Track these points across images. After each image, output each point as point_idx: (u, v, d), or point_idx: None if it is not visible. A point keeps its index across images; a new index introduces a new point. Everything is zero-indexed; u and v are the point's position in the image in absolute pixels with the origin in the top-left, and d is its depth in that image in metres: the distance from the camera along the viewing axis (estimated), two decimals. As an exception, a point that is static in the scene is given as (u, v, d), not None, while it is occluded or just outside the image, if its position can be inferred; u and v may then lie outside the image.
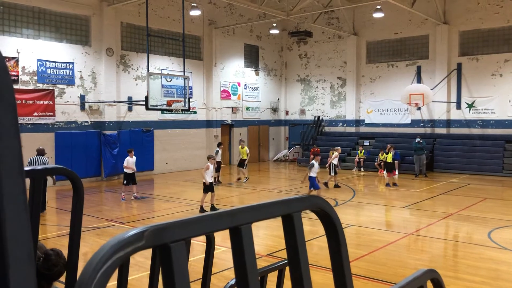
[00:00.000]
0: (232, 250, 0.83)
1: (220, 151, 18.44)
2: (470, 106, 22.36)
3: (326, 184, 16.49)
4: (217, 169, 17.90)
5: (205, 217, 0.75)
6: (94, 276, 0.59)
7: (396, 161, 21.08)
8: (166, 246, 0.68)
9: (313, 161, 13.96)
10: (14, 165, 0.54)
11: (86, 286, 0.58)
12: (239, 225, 0.81)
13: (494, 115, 21.80)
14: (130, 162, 14.48)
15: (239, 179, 18.56)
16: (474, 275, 7.63)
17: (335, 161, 16.79)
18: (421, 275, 1.39)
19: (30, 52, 16.98)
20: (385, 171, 21.13)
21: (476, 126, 22.26)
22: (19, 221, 0.54)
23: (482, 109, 22.09)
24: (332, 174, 16.74)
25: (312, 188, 13.63)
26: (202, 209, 12.45)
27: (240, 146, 19.14)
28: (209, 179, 12.54)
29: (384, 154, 20.29)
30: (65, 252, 2.08)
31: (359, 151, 22.43)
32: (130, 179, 14.56)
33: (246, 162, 18.48)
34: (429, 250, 9.30)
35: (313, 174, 13.71)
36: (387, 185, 17.40)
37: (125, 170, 14.59)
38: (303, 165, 24.36)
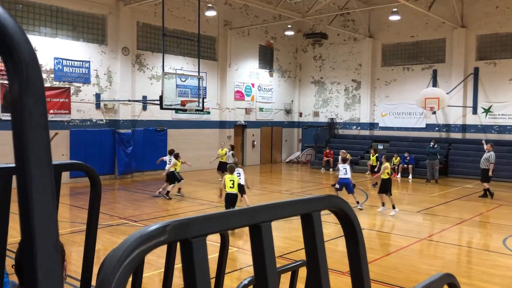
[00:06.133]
0: (251, 248, 0.83)
1: (228, 153, 18.26)
2: (487, 111, 22.08)
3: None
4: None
5: (226, 214, 0.75)
6: (118, 268, 0.59)
7: (410, 165, 20.94)
8: (188, 241, 0.69)
9: (339, 165, 14.08)
10: (44, 156, 0.55)
11: (109, 278, 0.58)
12: (259, 223, 0.81)
13: (511, 120, 21.50)
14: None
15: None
16: (488, 282, 7.53)
17: None
18: (438, 279, 1.38)
19: (47, 50, 17.20)
20: (399, 174, 21.05)
21: (493, 131, 21.96)
22: (46, 211, 0.55)
23: (499, 115, 21.79)
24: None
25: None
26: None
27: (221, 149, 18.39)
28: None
29: (398, 157, 20.11)
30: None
31: (371, 155, 22.26)
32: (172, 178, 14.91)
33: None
34: (442, 256, 9.19)
35: (341, 175, 13.64)
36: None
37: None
38: (315, 167, 24.28)
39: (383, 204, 12.97)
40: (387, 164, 12.89)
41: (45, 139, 0.55)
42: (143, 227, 0.66)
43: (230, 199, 10.87)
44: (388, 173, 12.85)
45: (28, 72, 0.54)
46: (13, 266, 2.12)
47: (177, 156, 15.21)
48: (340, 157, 15.60)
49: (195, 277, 0.69)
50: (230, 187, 10.85)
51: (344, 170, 13.48)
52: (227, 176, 11.12)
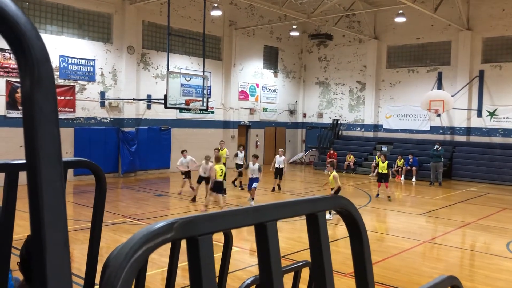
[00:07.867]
0: (257, 247, 0.83)
1: (240, 154, 17.84)
2: (492, 114, 22.00)
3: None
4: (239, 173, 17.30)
5: (232, 212, 0.76)
6: (125, 264, 0.59)
7: (413, 168, 20.89)
8: (194, 238, 0.69)
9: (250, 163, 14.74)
10: (54, 151, 0.55)
11: (116, 274, 0.59)
12: (264, 222, 0.81)
13: (516, 124, 21.42)
14: (183, 162, 14.94)
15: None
16: (491, 285, 7.50)
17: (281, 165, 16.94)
18: (442, 282, 1.38)
19: (53, 48, 17.24)
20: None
21: (497, 135, 21.88)
22: (56, 207, 0.55)
23: (504, 118, 21.71)
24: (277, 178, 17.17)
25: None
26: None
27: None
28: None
29: (400, 160, 20.02)
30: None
31: (376, 157, 22.22)
32: (186, 175, 15.14)
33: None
34: (445, 259, 9.16)
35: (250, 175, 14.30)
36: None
37: (180, 168, 15.16)
38: (319, 168, 24.26)
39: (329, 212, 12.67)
40: (331, 177, 12.62)
41: (55, 135, 0.55)
42: (150, 224, 0.66)
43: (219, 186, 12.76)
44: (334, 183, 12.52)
45: (40, 68, 0.55)
46: (18, 263, 2.12)
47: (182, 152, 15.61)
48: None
49: (201, 274, 0.69)
50: (220, 175, 12.58)
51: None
52: (217, 166, 12.70)
